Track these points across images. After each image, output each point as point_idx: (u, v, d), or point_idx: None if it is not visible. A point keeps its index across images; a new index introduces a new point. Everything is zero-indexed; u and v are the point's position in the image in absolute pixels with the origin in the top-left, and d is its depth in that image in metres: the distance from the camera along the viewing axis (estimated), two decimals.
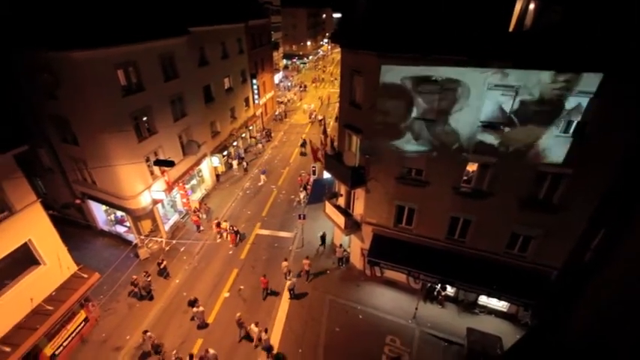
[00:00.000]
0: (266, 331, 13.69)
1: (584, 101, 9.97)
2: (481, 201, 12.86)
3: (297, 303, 16.17)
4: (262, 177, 26.46)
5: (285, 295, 16.46)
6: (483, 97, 11.08)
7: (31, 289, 12.02)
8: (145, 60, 16.78)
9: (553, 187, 11.74)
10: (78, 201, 19.08)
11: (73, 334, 13.79)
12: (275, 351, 13.92)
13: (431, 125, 12.30)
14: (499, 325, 14.73)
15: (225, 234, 20.20)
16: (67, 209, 19.96)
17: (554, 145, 10.90)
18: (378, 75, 12.16)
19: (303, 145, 31.55)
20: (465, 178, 13.04)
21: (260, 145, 32.98)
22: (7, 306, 11.28)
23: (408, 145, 13.07)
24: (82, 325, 14.18)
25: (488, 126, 11.48)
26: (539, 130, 10.87)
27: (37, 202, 12.20)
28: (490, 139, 11.65)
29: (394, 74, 11.96)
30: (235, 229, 19.90)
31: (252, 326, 13.92)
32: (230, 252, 19.35)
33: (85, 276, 13.71)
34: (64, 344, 13.39)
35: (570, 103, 10.15)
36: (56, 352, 13.07)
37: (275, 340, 14.37)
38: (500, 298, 13.97)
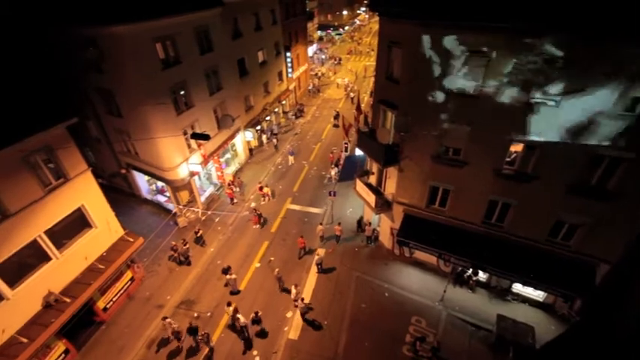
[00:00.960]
0: (302, 300, 14.20)
1: None
2: (524, 184, 12.01)
3: (324, 277, 16.55)
4: (290, 158, 26.11)
5: (313, 269, 16.88)
6: (536, 69, 10.03)
7: (85, 249, 13.33)
8: (182, 33, 16.94)
9: (609, 172, 10.63)
10: (123, 171, 20.43)
11: (122, 291, 15.23)
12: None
13: (475, 101, 11.45)
14: (533, 315, 14.17)
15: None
16: (114, 178, 21.53)
17: (617, 125, 9.75)
18: (419, 46, 11.36)
19: (336, 117, 31.07)
20: (508, 159, 12.18)
21: (296, 121, 32.89)
22: (67, 262, 12.64)
23: (448, 122, 12.34)
24: (128, 283, 15.60)
25: (539, 102, 10.47)
26: (598, 108, 9.74)
27: (88, 171, 13.23)
28: (540, 116, 10.66)
29: (437, 45, 11.11)
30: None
31: (292, 288, 14.69)
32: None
33: (131, 240, 14.90)
34: (114, 299, 14.87)
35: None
36: (107, 306, 14.58)
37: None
38: (537, 288, 13.32)
